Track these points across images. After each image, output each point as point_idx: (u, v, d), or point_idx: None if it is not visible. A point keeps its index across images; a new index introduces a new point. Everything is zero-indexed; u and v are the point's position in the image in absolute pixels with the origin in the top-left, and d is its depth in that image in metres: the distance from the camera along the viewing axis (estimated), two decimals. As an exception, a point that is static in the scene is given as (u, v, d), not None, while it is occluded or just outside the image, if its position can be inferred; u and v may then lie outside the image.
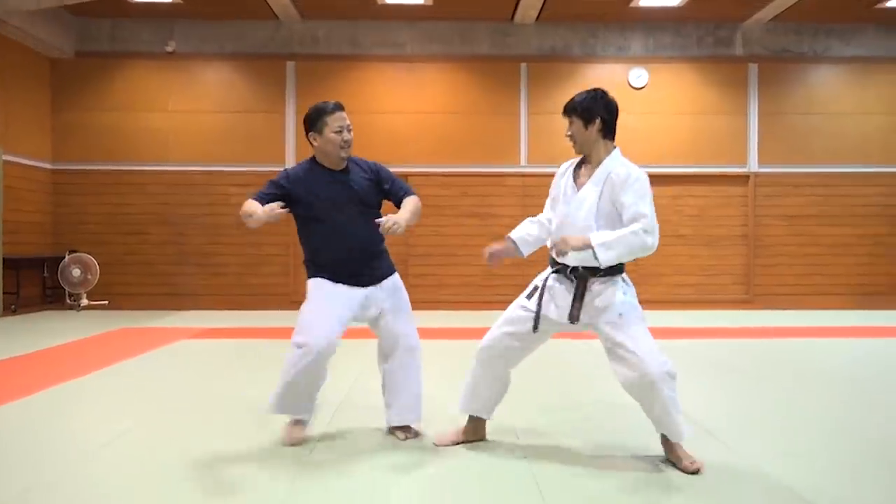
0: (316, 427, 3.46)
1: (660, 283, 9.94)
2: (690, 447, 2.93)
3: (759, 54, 10.19)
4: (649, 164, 9.92)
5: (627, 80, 10.14)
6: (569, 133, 3.01)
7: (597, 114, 2.93)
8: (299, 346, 3.05)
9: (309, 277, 3.25)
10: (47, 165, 9.88)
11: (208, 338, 6.94)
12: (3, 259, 8.56)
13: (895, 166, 10.14)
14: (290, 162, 9.99)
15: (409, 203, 3.22)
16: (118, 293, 9.81)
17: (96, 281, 9.35)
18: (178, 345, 6.44)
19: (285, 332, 7.15)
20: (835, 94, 10.26)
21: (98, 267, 9.34)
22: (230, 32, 10.03)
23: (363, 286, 3.19)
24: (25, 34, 8.99)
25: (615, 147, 3.00)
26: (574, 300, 2.91)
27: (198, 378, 4.87)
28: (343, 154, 3.17)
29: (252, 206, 3.01)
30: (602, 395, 4.21)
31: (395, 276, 3.35)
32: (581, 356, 5.73)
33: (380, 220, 3.05)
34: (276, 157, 10.01)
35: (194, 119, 10.05)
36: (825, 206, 10.10)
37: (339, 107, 3.16)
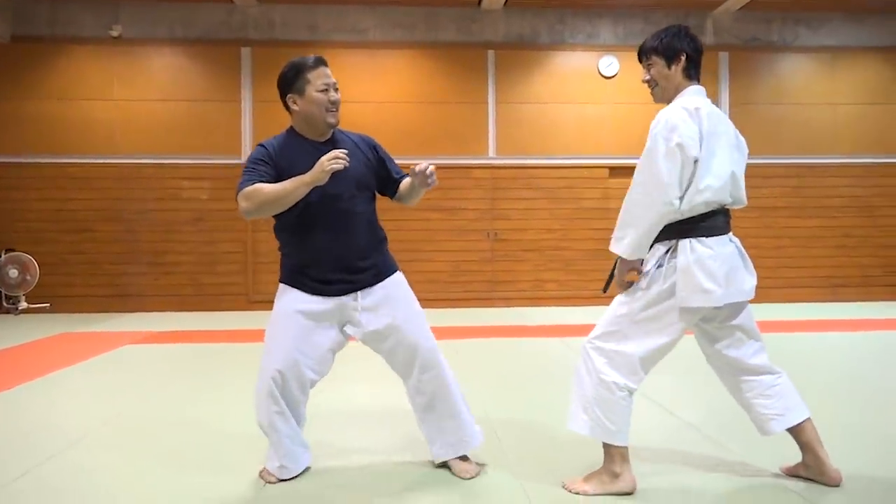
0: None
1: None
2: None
3: (730, 43, 10.01)
4: (620, 154, 9.69)
5: (597, 68, 9.85)
6: (647, 78, 2.58)
7: (681, 50, 2.52)
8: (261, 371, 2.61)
9: (281, 280, 2.71)
10: (-18, 158, 9.18)
11: (157, 342, 6.43)
12: (-68, 259, 7.90)
13: (865, 157, 10.07)
14: (247, 153, 9.47)
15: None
16: (60, 295, 9.16)
17: (36, 282, 8.71)
18: (122, 350, 5.93)
19: (242, 335, 6.78)
20: (804, 83, 10.13)
21: (38, 267, 8.71)
22: (180, 16, 9.44)
23: (349, 293, 2.64)
24: (-46, 15, 8.31)
25: (699, 86, 2.55)
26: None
27: (141, 388, 4.39)
28: (331, 119, 2.64)
29: (265, 188, 2.47)
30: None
31: (398, 275, 2.77)
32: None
33: (417, 166, 2.58)
34: (232, 148, 9.48)
35: (143, 108, 9.44)
36: (796, 197, 9.98)
37: (321, 61, 2.63)
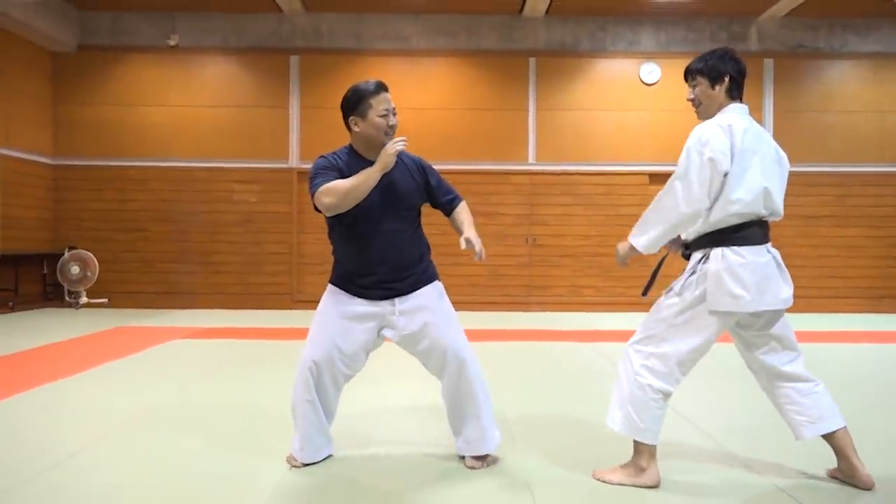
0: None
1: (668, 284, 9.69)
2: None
3: (775, 49, 9.93)
4: (661, 161, 9.72)
5: (639, 75, 9.90)
6: (691, 97, 2.77)
7: (725, 72, 2.69)
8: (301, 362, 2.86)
9: (330, 281, 2.97)
10: (47, 160, 9.75)
11: (204, 338, 6.77)
12: (2, 255, 8.42)
13: (913, 166, 9.89)
14: (294, 158, 9.82)
15: (465, 214, 2.97)
16: (117, 291, 9.66)
17: (95, 278, 9.21)
18: (171, 344, 6.28)
19: (285, 333, 7.10)
20: (851, 90, 9.98)
21: (97, 264, 9.20)
22: (233, 26, 9.86)
23: (390, 298, 2.85)
24: (27, 27, 8.85)
25: (740, 104, 2.71)
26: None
27: (186, 379, 4.69)
28: (381, 140, 2.81)
29: (342, 183, 2.69)
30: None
31: (436, 285, 2.96)
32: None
33: (465, 243, 2.78)
34: (279, 152, 9.84)
35: (196, 114, 9.89)
36: (840, 206, 9.84)
37: (382, 87, 2.80)
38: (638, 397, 2.63)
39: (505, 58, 9.90)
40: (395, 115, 2.83)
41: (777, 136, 10.45)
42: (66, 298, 9.40)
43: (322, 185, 2.71)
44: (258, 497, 2.56)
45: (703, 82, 2.72)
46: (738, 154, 2.54)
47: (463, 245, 2.80)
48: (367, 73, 9.93)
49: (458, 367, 2.83)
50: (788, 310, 2.65)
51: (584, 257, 9.84)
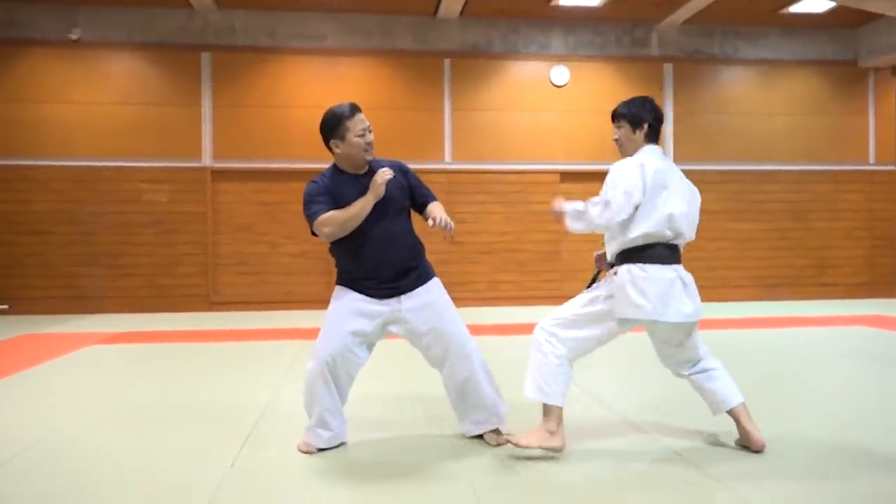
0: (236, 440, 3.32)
1: (580, 278, 10.12)
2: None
3: (674, 55, 10.53)
4: (570, 160, 10.14)
5: (549, 77, 10.27)
6: (616, 137, 3.16)
7: (645, 119, 3.09)
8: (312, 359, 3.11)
9: (337, 283, 3.20)
10: (-64, 160, 9.13)
11: (121, 342, 6.57)
12: None
13: (797, 164, 10.72)
14: (208, 157, 9.60)
15: (437, 205, 3.24)
16: (18, 297, 9.17)
17: (-6, 284, 8.72)
18: (87, 350, 6.07)
19: (202, 336, 6.96)
20: (743, 94, 10.72)
21: (-4, 269, 8.71)
22: (139, 20, 9.53)
23: (395, 296, 3.11)
24: None
25: (654, 146, 3.13)
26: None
27: (111, 386, 4.58)
28: (368, 157, 3.12)
29: (338, 213, 2.98)
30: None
31: (434, 281, 3.24)
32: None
33: (431, 221, 3.05)
34: (192, 151, 9.60)
35: (102, 111, 9.51)
36: (734, 201, 10.55)
37: (356, 108, 3.08)
38: (543, 364, 3.00)
39: (420, 58, 10.04)
40: (370, 132, 3.11)
41: (676, 137, 11.07)
42: (-39, 306, 8.85)
43: (318, 214, 3.00)
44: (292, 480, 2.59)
45: (625, 126, 3.13)
46: (649, 189, 2.95)
47: (430, 223, 3.06)
48: (282, 72, 9.86)
49: (462, 357, 3.13)
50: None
51: (501, 253, 10.12)
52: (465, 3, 9.46)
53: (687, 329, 3.03)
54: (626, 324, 2.99)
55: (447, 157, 10.05)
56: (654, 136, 3.13)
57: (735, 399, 3.08)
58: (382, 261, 3.08)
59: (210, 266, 9.62)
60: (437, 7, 9.67)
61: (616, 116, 3.16)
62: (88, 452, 3.14)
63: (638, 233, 2.95)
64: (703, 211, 3.14)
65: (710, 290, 9.96)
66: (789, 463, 2.93)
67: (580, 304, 3.07)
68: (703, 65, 10.60)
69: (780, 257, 10.67)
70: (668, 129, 10.42)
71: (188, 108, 9.62)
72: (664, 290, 2.91)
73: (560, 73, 10.28)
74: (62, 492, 2.65)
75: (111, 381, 4.79)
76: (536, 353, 3.05)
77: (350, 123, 3.04)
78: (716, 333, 6.61)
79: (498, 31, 10.23)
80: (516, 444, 2.98)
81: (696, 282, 3.07)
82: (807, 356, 5.64)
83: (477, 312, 9.07)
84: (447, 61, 10.12)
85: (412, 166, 3.48)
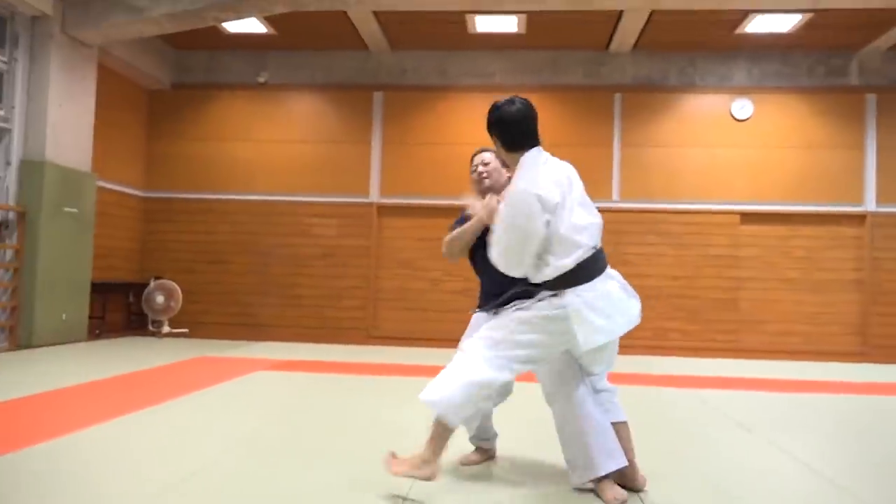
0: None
1: (762, 330, 9.11)
2: None
3: (878, 84, 9.41)
4: (753, 200, 9.28)
5: (730, 110, 9.53)
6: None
7: (492, 132, 2.86)
8: None
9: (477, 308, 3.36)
10: (139, 192, 10.08)
11: (285, 370, 6.70)
12: (92, 283, 8.64)
13: None
14: (375, 193, 9.83)
15: None
16: (198, 321, 9.79)
17: (179, 308, 9.35)
18: (254, 375, 6.22)
19: (361, 368, 6.95)
20: (965, 127, 9.33)
21: (181, 294, 9.35)
22: (320, 63, 10.06)
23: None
24: (126, 65, 9.25)
25: (530, 152, 2.88)
26: None
27: (276, 410, 4.58)
28: (478, 188, 3.36)
29: (450, 235, 3.28)
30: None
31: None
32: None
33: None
34: (360, 188, 9.88)
35: (281, 149, 10.07)
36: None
37: (476, 153, 3.40)
38: (467, 382, 2.66)
39: (590, 93, 9.72)
40: (484, 165, 3.34)
41: (881, 175, 9.90)
42: (149, 327, 9.57)
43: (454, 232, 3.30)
44: None
45: (497, 143, 2.94)
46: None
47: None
48: (449, 110, 9.92)
49: (555, 398, 2.96)
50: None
51: (670, 299, 9.40)
52: (640, 35, 9.06)
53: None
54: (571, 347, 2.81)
55: (615, 196, 9.56)
56: (512, 145, 2.89)
57: (620, 415, 2.99)
58: (489, 290, 3.21)
59: (371, 300, 9.75)
60: (609, 41, 9.35)
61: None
62: (256, 482, 3.03)
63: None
64: None
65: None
66: None
67: (516, 321, 2.80)
68: (912, 94, 9.38)
69: None
70: (870, 165, 9.30)
71: (359, 144, 9.94)
72: (616, 300, 2.77)
73: (742, 107, 9.51)
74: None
75: (275, 406, 4.79)
76: (460, 366, 2.76)
77: (472, 160, 3.39)
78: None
79: (673, 64, 9.69)
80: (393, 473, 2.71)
81: None
82: None
83: (643, 361, 8.41)
84: (618, 96, 9.71)
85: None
